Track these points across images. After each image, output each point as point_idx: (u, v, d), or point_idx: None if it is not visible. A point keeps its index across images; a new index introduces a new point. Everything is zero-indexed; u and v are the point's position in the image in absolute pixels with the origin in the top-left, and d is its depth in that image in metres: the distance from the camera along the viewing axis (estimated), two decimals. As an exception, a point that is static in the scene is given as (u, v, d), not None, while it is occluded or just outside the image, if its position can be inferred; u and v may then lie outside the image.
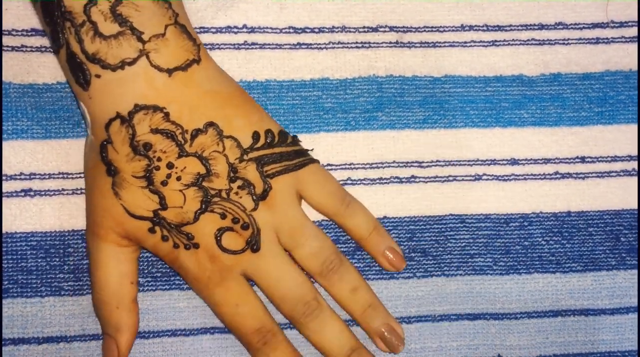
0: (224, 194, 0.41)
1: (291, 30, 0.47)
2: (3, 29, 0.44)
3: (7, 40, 0.44)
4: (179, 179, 0.41)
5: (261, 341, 0.42)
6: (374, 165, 0.47)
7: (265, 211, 0.42)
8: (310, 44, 0.47)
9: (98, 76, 0.40)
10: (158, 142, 0.40)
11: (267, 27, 0.47)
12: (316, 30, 0.47)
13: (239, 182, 0.41)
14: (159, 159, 0.40)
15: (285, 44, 0.47)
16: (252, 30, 0.46)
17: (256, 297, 0.43)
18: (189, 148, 0.41)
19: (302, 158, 0.44)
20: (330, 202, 0.45)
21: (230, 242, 0.42)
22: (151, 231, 0.41)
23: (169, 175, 0.41)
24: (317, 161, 0.45)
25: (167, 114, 0.40)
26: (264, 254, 0.42)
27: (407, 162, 0.47)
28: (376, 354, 0.45)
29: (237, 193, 0.41)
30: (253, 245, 0.42)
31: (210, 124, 0.41)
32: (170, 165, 0.41)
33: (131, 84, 0.40)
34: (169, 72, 0.40)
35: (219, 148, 0.41)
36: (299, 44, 0.47)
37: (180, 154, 0.41)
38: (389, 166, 0.47)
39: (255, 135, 0.42)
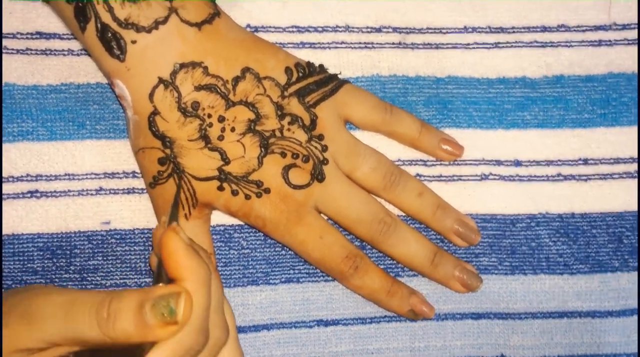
0: (277, 133, 0.45)
1: (294, 30, 0.50)
2: (8, 32, 0.47)
3: (12, 43, 0.47)
4: (233, 130, 0.44)
5: (352, 267, 0.46)
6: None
7: (318, 139, 0.46)
8: (314, 44, 0.50)
9: (134, 42, 0.43)
10: (204, 98, 0.44)
11: (270, 26, 0.50)
12: (319, 29, 0.50)
13: (287, 118, 0.45)
14: (209, 116, 0.44)
15: (289, 43, 0.50)
16: (256, 29, 0.49)
17: (334, 227, 0.47)
18: (233, 97, 0.44)
19: (335, 81, 0.48)
20: (375, 114, 0.48)
21: (297, 178, 0.45)
22: (220, 188, 0.45)
23: (223, 129, 0.44)
24: (348, 81, 0.48)
25: (206, 68, 0.44)
26: (329, 181, 0.46)
27: (412, 161, 0.50)
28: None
29: (289, 129, 0.45)
30: (318, 175, 0.46)
31: (247, 70, 0.45)
32: (221, 119, 0.44)
33: (167, 43, 0.43)
34: (198, 26, 0.44)
35: (260, 90, 0.45)
36: (302, 43, 0.50)
37: (227, 105, 0.44)
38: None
39: (288, 71, 0.46)
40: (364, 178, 0.47)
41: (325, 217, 0.48)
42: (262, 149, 0.45)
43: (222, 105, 0.44)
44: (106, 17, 0.42)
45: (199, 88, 0.44)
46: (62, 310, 0.34)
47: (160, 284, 0.34)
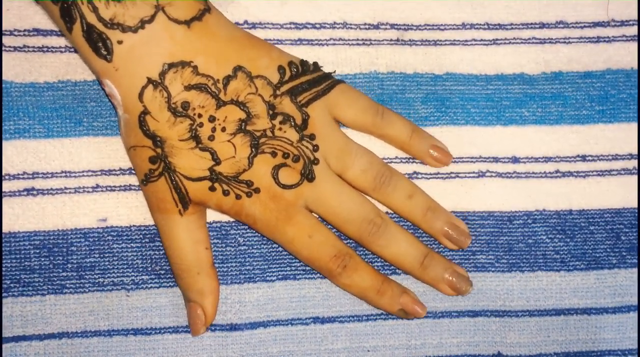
0: (268, 133, 0.45)
1: (292, 26, 0.50)
2: (5, 29, 0.47)
3: (9, 41, 0.47)
4: (223, 130, 0.44)
5: (341, 265, 0.46)
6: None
7: (309, 139, 0.46)
8: (311, 40, 0.50)
9: (120, 42, 0.42)
10: (194, 98, 0.43)
11: (267, 23, 0.49)
12: (317, 26, 0.50)
13: (279, 118, 0.45)
14: (200, 116, 0.43)
15: (286, 40, 0.49)
16: (253, 26, 0.49)
17: (325, 226, 0.47)
18: (224, 97, 0.44)
19: (328, 81, 0.47)
20: (365, 116, 0.48)
21: (287, 178, 0.45)
22: (211, 189, 0.44)
23: (213, 129, 0.44)
24: (342, 81, 0.48)
25: (195, 68, 0.43)
26: (319, 181, 0.46)
27: (409, 158, 0.50)
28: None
29: (280, 129, 0.45)
30: (308, 175, 0.45)
31: (239, 68, 0.44)
32: (212, 119, 0.44)
33: (155, 42, 0.42)
34: (187, 23, 0.43)
35: (252, 89, 0.44)
36: (299, 39, 0.50)
37: (218, 105, 0.44)
38: (390, 162, 0.50)
39: (281, 70, 0.46)
40: (355, 178, 0.47)
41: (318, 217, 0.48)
42: (253, 149, 0.44)
43: (213, 105, 0.44)
44: (91, 18, 0.42)
45: (188, 88, 0.43)
46: None
47: None
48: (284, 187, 0.45)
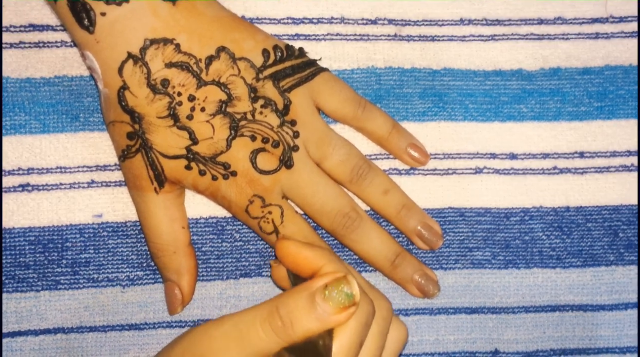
0: (249, 116, 0.44)
1: (289, 21, 0.49)
2: (2, 25, 0.46)
3: (5, 37, 0.46)
4: (203, 110, 0.43)
5: None
6: (372, 157, 0.49)
7: (290, 125, 0.45)
8: (309, 35, 0.49)
9: (103, 14, 0.41)
10: (175, 76, 0.42)
11: (265, 18, 0.49)
12: (314, 21, 0.49)
13: (260, 101, 0.44)
14: (179, 94, 0.43)
15: (284, 35, 0.49)
16: (251, 21, 0.48)
17: (300, 216, 0.46)
18: (205, 77, 0.43)
19: (312, 68, 0.46)
20: (347, 107, 0.47)
21: (265, 163, 0.44)
22: (187, 168, 0.44)
23: (192, 108, 0.43)
24: (326, 69, 0.47)
25: (178, 46, 0.42)
26: (297, 169, 0.45)
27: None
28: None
29: (261, 112, 0.44)
30: (286, 161, 0.44)
31: (222, 49, 0.43)
32: (191, 98, 0.43)
33: (138, 17, 0.41)
34: (173, 0, 0.42)
35: (234, 71, 0.43)
36: (297, 34, 0.49)
37: (199, 85, 0.43)
38: (387, 158, 0.49)
39: (265, 53, 0.44)
40: (332, 168, 0.46)
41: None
42: (232, 132, 0.44)
43: (193, 84, 0.43)
44: None
45: (169, 65, 0.42)
46: (231, 340, 0.35)
47: (315, 279, 0.37)
48: (262, 172, 0.44)
